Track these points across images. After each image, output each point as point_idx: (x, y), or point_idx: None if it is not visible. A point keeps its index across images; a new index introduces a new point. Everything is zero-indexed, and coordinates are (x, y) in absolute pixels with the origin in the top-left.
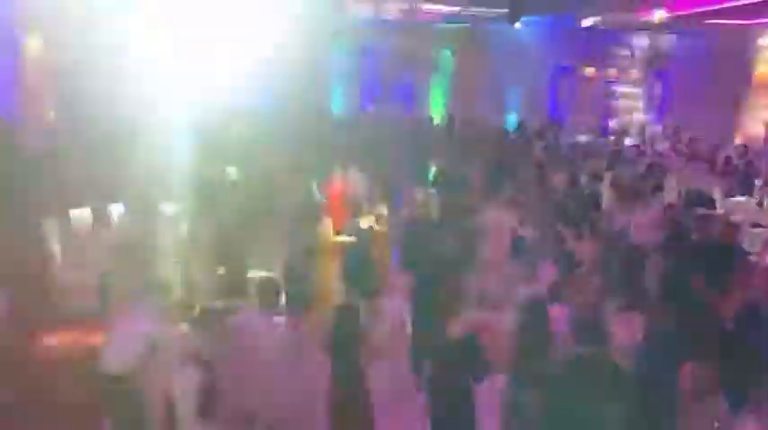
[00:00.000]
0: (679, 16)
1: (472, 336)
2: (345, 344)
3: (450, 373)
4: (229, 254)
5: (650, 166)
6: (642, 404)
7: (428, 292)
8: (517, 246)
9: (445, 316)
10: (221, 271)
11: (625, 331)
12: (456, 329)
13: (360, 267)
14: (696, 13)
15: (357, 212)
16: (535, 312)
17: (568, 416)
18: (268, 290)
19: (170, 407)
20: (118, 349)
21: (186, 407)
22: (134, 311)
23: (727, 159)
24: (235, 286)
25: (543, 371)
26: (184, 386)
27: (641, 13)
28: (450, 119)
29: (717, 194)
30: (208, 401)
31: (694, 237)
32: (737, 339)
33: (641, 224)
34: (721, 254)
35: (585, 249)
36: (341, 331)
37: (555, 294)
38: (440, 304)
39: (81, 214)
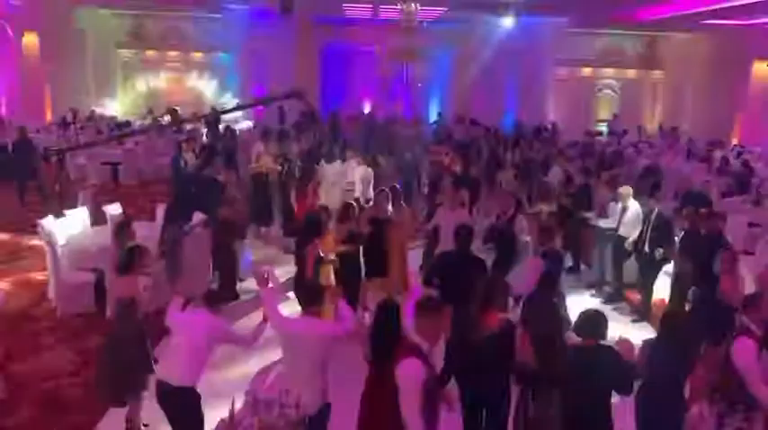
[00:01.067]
0: (678, 16)
1: (507, 333)
2: (386, 341)
3: (486, 370)
4: None
5: (648, 166)
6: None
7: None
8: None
9: (479, 312)
10: None
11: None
12: (491, 326)
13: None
14: (695, 13)
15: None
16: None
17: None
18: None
19: None
20: None
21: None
22: None
23: (724, 159)
24: None
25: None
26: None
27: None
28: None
29: (714, 194)
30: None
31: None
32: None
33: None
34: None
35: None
36: (381, 328)
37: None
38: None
39: None
